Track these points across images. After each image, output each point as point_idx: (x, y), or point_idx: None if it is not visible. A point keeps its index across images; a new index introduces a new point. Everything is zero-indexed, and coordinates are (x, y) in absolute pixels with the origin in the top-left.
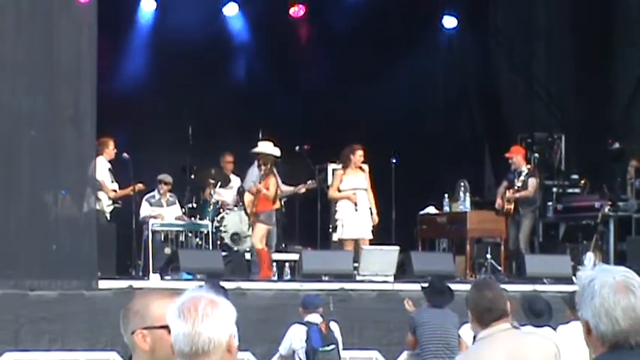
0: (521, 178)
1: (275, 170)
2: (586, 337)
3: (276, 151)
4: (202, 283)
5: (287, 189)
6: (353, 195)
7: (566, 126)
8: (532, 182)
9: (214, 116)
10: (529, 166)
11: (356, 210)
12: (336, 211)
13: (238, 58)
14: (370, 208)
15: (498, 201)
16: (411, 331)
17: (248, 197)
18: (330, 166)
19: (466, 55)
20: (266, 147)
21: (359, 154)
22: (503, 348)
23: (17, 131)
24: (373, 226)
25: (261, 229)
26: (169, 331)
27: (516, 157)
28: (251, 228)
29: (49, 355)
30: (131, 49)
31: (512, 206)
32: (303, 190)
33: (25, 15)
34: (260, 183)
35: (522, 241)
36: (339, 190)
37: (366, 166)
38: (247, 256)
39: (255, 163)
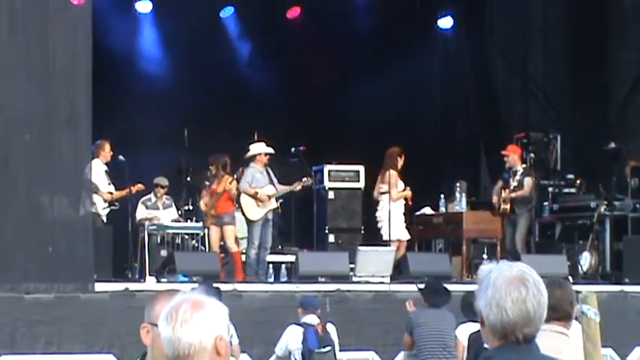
0: (517, 177)
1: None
2: (481, 329)
3: (269, 149)
4: (197, 285)
5: (282, 188)
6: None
7: (562, 126)
8: (527, 181)
9: (210, 118)
10: (524, 166)
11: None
12: (390, 211)
13: (235, 59)
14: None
15: (494, 198)
16: (407, 332)
17: (206, 199)
18: (326, 167)
19: (462, 55)
20: (259, 148)
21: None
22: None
23: (13, 134)
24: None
25: (231, 231)
26: None
27: (512, 155)
28: (208, 230)
29: (45, 358)
30: (127, 52)
31: (508, 206)
32: (298, 188)
33: (20, 17)
34: (213, 184)
35: (519, 241)
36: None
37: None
38: (244, 257)
39: (252, 164)
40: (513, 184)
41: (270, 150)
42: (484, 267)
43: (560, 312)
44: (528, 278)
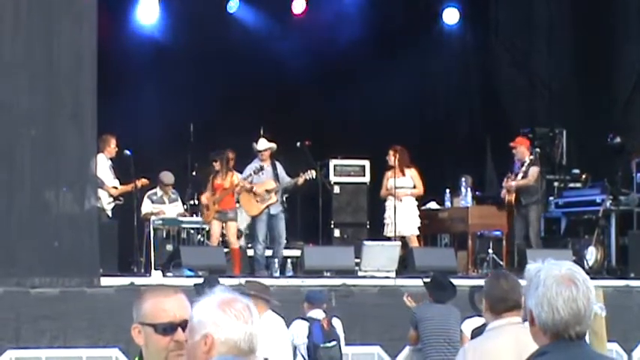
0: (523, 168)
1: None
2: (531, 328)
3: (268, 145)
4: (201, 280)
5: (286, 182)
6: None
7: (567, 121)
8: (533, 171)
9: (215, 113)
10: (532, 157)
11: None
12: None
13: (240, 54)
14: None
15: (503, 192)
16: (412, 327)
17: (208, 194)
18: (332, 162)
19: (467, 49)
20: (260, 144)
21: None
22: (511, 341)
23: (18, 129)
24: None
25: (234, 227)
26: (155, 330)
27: (520, 147)
28: (210, 226)
29: (51, 352)
30: (132, 46)
31: (512, 197)
32: (301, 181)
33: (24, 12)
34: (217, 179)
35: (533, 236)
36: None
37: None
38: (249, 252)
39: (255, 159)
40: (520, 174)
41: (270, 145)
42: (531, 266)
43: (510, 302)
44: (578, 277)
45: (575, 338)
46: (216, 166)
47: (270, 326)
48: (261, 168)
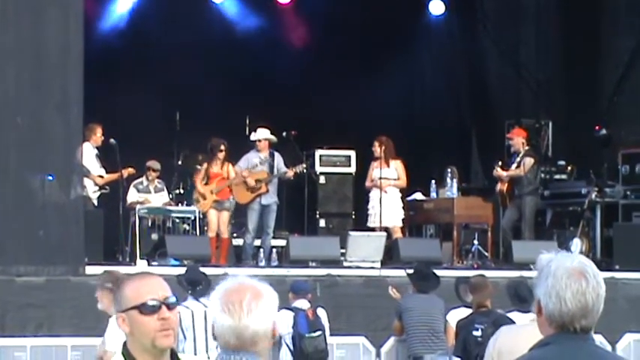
0: (517, 159)
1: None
2: (537, 318)
3: (272, 137)
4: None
5: (282, 170)
6: None
7: (554, 112)
8: (526, 161)
9: (202, 102)
10: (527, 148)
11: None
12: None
13: (225, 43)
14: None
15: (498, 185)
16: (397, 317)
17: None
18: (318, 152)
19: (454, 41)
20: (258, 134)
21: None
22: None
23: (4, 117)
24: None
25: (227, 216)
26: (140, 311)
27: (517, 138)
28: (204, 214)
29: (36, 340)
30: (118, 35)
31: (505, 186)
32: (291, 174)
33: (12, 2)
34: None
35: (526, 226)
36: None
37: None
38: (239, 241)
39: (253, 149)
40: (514, 165)
41: (267, 137)
42: (543, 256)
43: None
44: (588, 270)
45: (580, 332)
46: (220, 155)
47: None
48: (259, 158)
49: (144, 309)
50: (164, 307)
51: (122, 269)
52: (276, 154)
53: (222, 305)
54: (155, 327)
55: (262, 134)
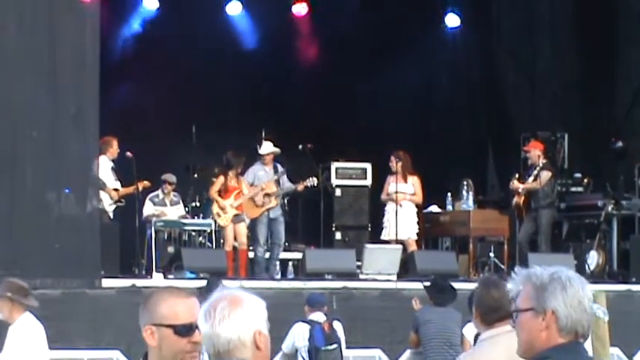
0: (535, 172)
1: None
2: (544, 329)
3: (273, 149)
4: (204, 282)
5: (286, 187)
6: None
7: (570, 125)
8: (543, 175)
9: (218, 115)
10: (544, 161)
11: None
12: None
13: (241, 56)
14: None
15: (515, 198)
16: (413, 330)
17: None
18: (334, 165)
19: (469, 53)
20: (264, 148)
21: None
22: (505, 351)
23: (20, 130)
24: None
25: (244, 228)
26: (175, 331)
27: (533, 151)
28: (222, 228)
29: (52, 354)
30: (133, 48)
31: (521, 199)
32: (301, 188)
33: (28, 14)
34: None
35: (542, 239)
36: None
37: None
38: (250, 254)
39: (258, 162)
40: (531, 178)
41: (274, 149)
42: (535, 271)
43: (502, 312)
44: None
45: (580, 337)
46: (237, 168)
47: (24, 329)
48: (265, 171)
49: (179, 330)
50: (197, 331)
51: (139, 282)
52: (279, 166)
53: (203, 313)
54: (185, 349)
55: (270, 148)
